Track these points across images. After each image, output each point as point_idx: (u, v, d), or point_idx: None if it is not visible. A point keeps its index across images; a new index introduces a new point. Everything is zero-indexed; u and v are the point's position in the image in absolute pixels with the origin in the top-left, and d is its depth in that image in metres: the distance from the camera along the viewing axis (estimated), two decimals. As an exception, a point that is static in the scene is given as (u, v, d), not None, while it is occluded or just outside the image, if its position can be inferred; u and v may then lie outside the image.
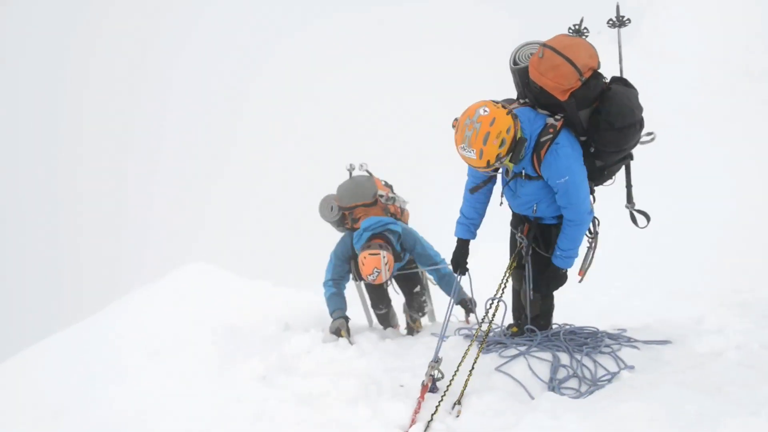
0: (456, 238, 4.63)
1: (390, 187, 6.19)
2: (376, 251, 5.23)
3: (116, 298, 7.22)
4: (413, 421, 3.75)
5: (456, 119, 3.89)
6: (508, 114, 3.80)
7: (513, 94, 4.38)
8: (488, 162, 3.82)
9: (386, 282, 5.73)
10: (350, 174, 6.00)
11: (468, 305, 5.77)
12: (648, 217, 4.35)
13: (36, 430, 4.32)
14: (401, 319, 6.60)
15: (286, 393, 4.19)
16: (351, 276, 5.82)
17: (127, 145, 25.10)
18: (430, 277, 6.05)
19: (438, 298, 6.32)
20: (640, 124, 4.01)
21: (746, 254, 9.09)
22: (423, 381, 4.04)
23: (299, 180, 20.50)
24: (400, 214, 6.07)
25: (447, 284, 5.73)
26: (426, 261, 5.73)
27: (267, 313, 6.14)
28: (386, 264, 5.23)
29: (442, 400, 3.83)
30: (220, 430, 3.91)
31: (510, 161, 3.95)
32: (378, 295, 6.19)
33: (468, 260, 4.66)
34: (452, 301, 4.71)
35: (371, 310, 6.38)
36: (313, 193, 5.11)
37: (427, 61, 24.14)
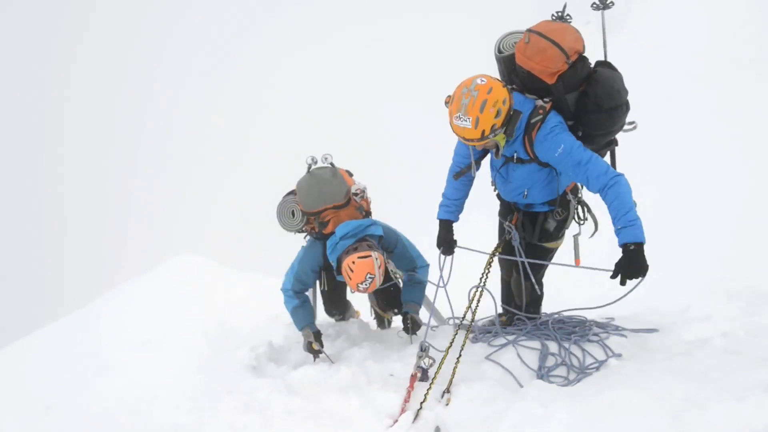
0: (438, 221, 4.62)
1: (351, 175, 5.20)
2: (366, 253, 4.29)
3: (101, 290, 7.19)
4: (403, 410, 3.78)
5: (449, 96, 3.89)
6: (504, 87, 3.83)
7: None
8: (483, 132, 3.80)
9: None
10: (308, 169, 4.86)
11: (408, 323, 4.77)
12: None
13: (27, 423, 4.31)
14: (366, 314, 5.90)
15: (276, 383, 4.21)
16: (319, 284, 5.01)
17: (107, 139, 25.10)
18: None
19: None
20: (627, 105, 4.04)
21: (734, 243, 9.14)
22: (411, 372, 4.06)
23: (280, 168, 20.37)
24: (369, 206, 5.08)
25: (410, 291, 4.90)
26: (405, 263, 4.84)
27: (256, 304, 6.13)
28: (380, 267, 4.33)
29: (430, 388, 3.85)
30: (211, 421, 3.92)
31: (505, 133, 3.93)
32: (334, 300, 5.38)
33: (454, 243, 4.60)
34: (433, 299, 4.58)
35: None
36: (295, 180, 4.84)
37: (416, 30, 24.12)
